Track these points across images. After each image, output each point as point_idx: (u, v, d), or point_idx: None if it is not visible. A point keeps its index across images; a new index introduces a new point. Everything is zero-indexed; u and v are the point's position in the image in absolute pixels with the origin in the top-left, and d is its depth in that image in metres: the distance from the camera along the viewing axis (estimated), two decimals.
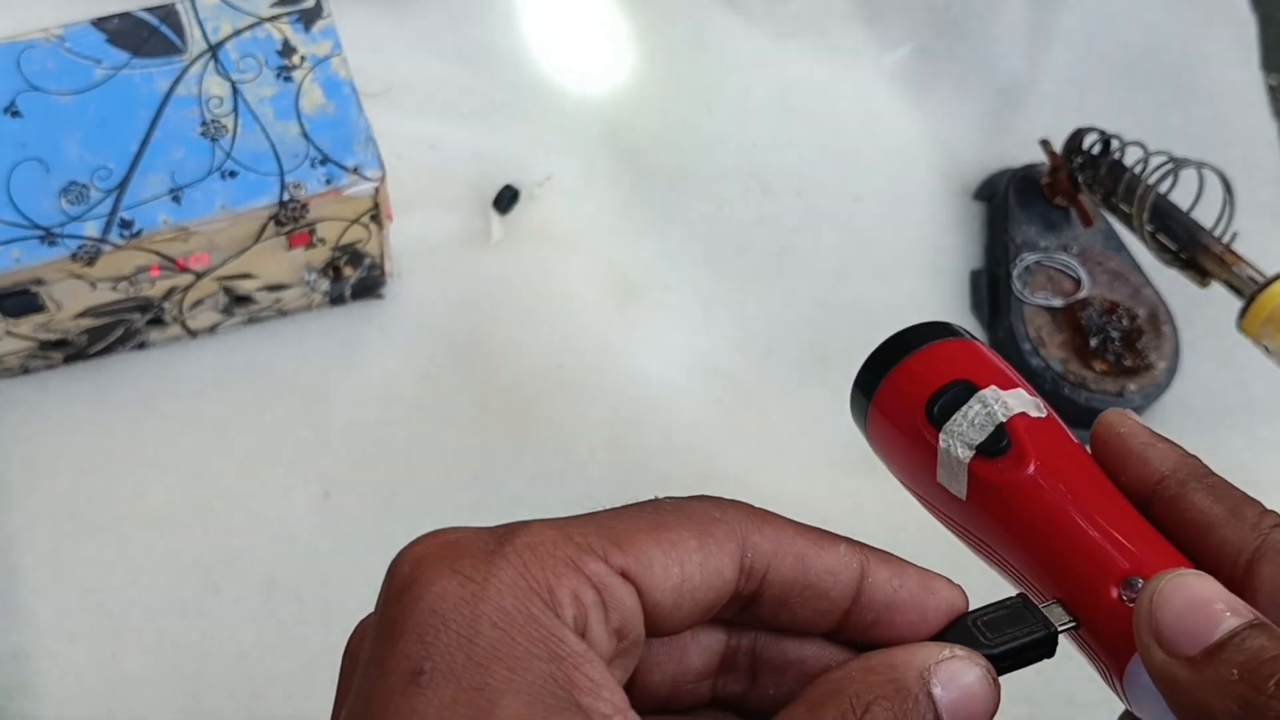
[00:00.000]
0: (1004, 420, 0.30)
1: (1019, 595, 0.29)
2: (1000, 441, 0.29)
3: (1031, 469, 0.29)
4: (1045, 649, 0.28)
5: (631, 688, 0.28)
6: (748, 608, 0.27)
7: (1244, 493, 0.29)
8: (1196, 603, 0.25)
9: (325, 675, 0.53)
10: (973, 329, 0.70)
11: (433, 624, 0.23)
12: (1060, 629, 0.28)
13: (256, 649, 0.54)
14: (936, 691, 0.26)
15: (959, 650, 0.26)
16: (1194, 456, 0.30)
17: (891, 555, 0.28)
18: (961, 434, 0.30)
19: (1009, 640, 0.28)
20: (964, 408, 0.30)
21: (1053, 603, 0.28)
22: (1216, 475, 0.30)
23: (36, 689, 0.52)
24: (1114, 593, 0.27)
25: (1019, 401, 0.30)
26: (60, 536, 0.55)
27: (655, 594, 0.25)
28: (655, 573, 0.25)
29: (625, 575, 0.25)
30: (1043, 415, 0.30)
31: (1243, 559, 0.27)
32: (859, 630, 0.28)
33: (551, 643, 0.23)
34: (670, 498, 0.27)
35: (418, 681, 0.22)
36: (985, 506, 0.30)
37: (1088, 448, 0.31)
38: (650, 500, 0.26)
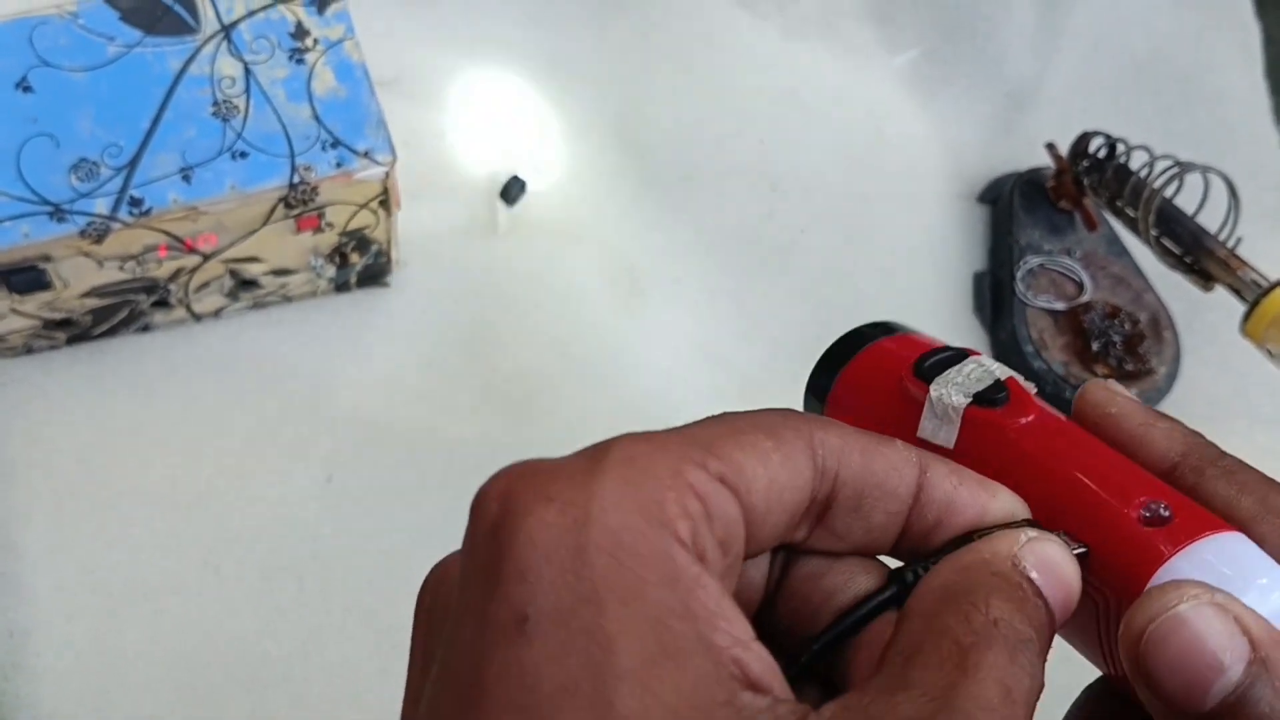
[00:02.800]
0: (1003, 377, 0.30)
1: (1027, 522, 0.28)
2: (999, 393, 0.29)
3: (1030, 418, 0.29)
4: None
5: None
6: (821, 517, 0.26)
7: (1264, 475, 0.27)
8: (1190, 651, 0.23)
9: (323, 657, 0.53)
10: (975, 330, 0.70)
11: (533, 560, 0.20)
12: (1081, 551, 0.27)
13: (255, 630, 0.54)
14: (1033, 575, 0.25)
15: (1031, 532, 0.26)
16: (1198, 434, 0.28)
17: (946, 459, 0.27)
18: (958, 384, 0.30)
19: None
20: (959, 365, 0.30)
21: (1058, 533, 0.28)
22: (1230, 456, 0.27)
23: (34, 667, 0.52)
24: (1135, 514, 0.26)
25: (1013, 372, 0.30)
26: (60, 515, 0.55)
27: (751, 497, 0.23)
28: (747, 475, 0.23)
29: (723, 481, 0.23)
30: (1034, 391, 0.30)
31: None
32: (919, 537, 0.26)
33: (667, 566, 0.21)
34: (730, 411, 0.25)
35: (523, 630, 0.20)
36: (979, 451, 0.30)
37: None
38: (714, 414, 0.25)
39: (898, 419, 0.30)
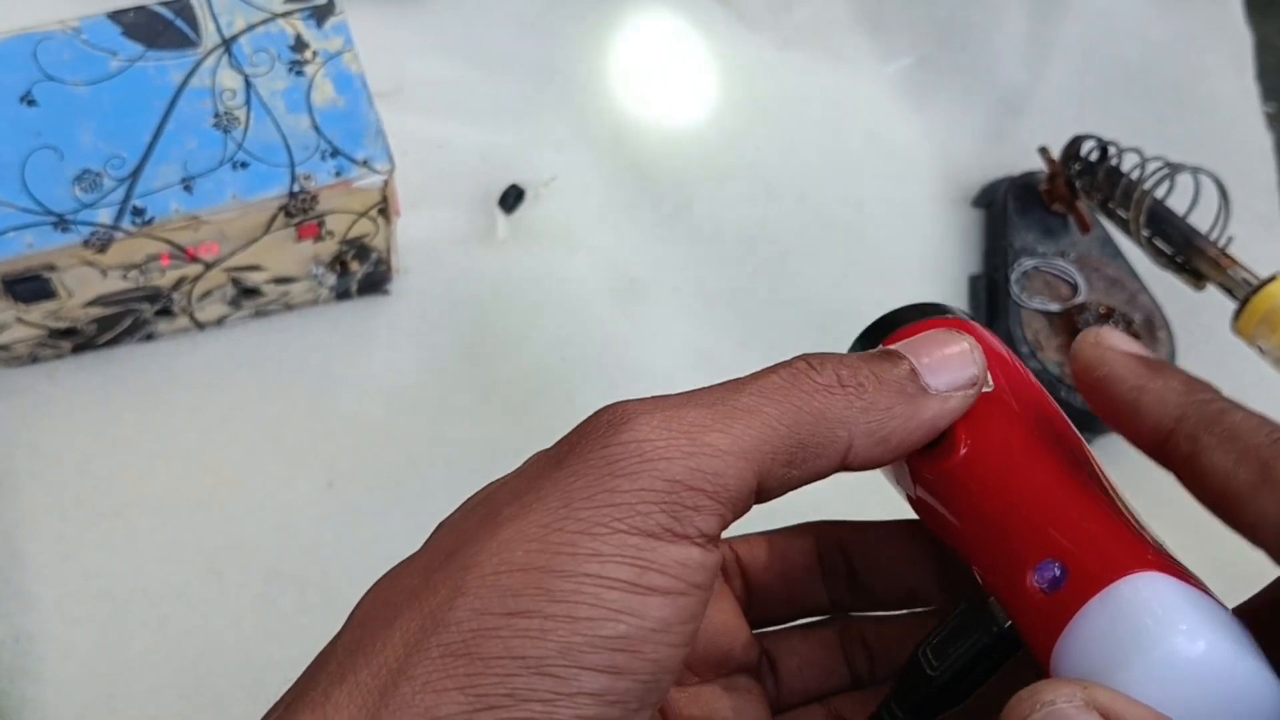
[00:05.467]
0: None
1: (964, 600, 0.26)
2: None
3: (962, 452, 0.27)
4: (1004, 648, 0.25)
5: (747, 585, 0.31)
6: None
7: (1272, 434, 0.24)
8: None
9: None
10: None
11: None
12: (1005, 627, 0.25)
13: (258, 635, 0.54)
14: None
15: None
16: (1199, 386, 0.25)
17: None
18: None
19: (952, 661, 0.26)
20: None
21: (991, 600, 0.26)
22: (1232, 413, 0.24)
23: (39, 672, 0.52)
24: (1029, 579, 0.24)
25: None
26: (65, 523, 0.56)
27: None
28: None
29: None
30: (990, 389, 0.28)
31: None
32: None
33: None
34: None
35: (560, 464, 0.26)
36: (927, 501, 0.28)
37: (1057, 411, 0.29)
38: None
39: None
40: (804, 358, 0.27)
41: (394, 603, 0.25)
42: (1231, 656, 0.22)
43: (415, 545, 0.29)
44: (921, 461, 0.28)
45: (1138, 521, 0.26)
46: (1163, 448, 0.25)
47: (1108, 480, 0.27)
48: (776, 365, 0.27)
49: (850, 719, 0.31)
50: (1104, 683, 0.22)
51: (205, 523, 0.56)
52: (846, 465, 0.27)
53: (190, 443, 0.58)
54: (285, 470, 0.58)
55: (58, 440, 0.57)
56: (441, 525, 0.28)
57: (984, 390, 0.28)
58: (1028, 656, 0.25)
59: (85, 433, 0.57)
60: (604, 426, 0.26)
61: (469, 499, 0.28)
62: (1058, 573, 0.24)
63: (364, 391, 0.60)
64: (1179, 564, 0.25)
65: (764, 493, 0.26)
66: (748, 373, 0.28)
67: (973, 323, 0.32)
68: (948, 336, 0.28)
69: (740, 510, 0.26)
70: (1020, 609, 0.25)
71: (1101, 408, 0.27)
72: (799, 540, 0.32)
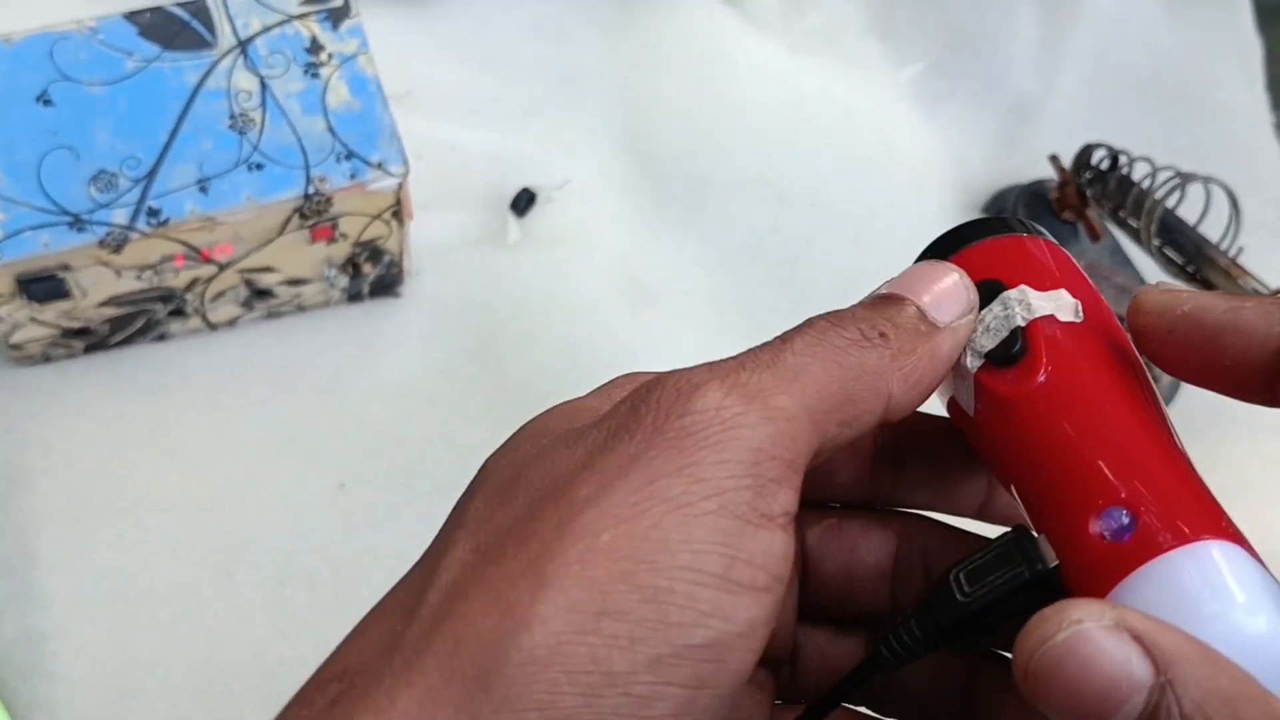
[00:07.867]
0: (1023, 324, 0.26)
1: (1013, 529, 0.25)
2: (1014, 347, 0.26)
3: (1041, 378, 0.26)
4: (1040, 591, 0.24)
5: (806, 574, 0.30)
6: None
7: None
8: (1078, 685, 0.20)
9: None
10: None
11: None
12: (1051, 567, 0.24)
13: (268, 635, 0.54)
14: None
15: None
16: None
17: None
18: (974, 340, 0.27)
19: (987, 590, 0.24)
20: (983, 310, 0.27)
21: (1041, 537, 0.25)
22: None
23: (51, 670, 0.52)
24: (1091, 526, 0.23)
25: (1050, 303, 0.27)
26: (76, 521, 0.56)
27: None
28: None
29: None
30: (1079, 320, 0.27)
31: None
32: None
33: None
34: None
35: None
36: (991, 423, 0.27)
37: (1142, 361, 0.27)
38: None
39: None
40: (820, 317, 0.27)
41: (460, 582, 0.23)
42: None
43: (424, 546, 0.28)
44: (993, 380, 0.26)
45: (1206, 486, 0.25)
46: (1272, 367, 0.24)
47: (1178, 437, 0.26)
48: (798, 329, 0.27)
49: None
50: None
51: (216, 522, 0.56)
52: (886, 417, 0.26)
53: (201, 443, 0.58)
54: (296, 471, 0.58)
55: (69, 440, 0.57)
56: (494, 471, 0.26)
57: (1075, 321, 0.27)
58: None
59: (97, 432, 0.58)
60: (671, 394, 0.24)
61: (520, 447, 0.26)
62: (1125, 521, 0.23)
63: (375, 393, 0.61)
64: (1245, 538, 0.24)
65: (816, 459, 0.25)
66: None
67: (1033, 237, 0.30)
68: (934, 270, 0.28)
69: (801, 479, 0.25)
70: (1074, 552, 0.24)
71: (1189, 344, 0.25)
72: (876, 533, 0.31)
